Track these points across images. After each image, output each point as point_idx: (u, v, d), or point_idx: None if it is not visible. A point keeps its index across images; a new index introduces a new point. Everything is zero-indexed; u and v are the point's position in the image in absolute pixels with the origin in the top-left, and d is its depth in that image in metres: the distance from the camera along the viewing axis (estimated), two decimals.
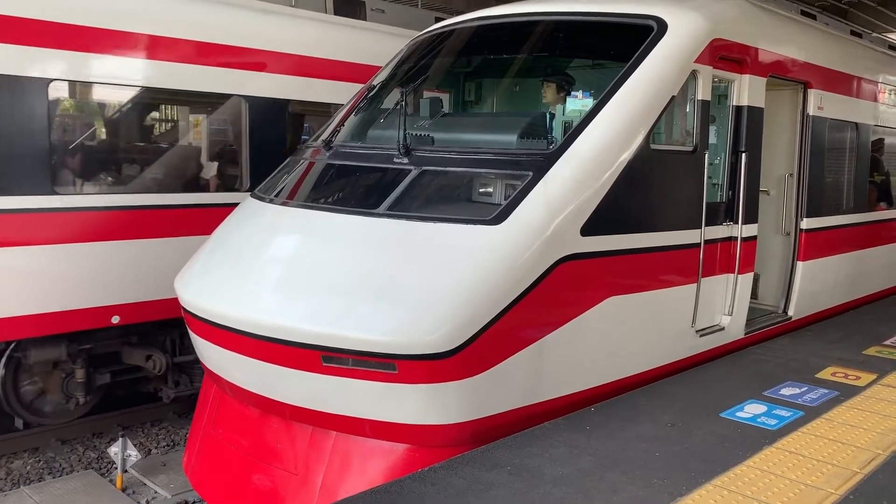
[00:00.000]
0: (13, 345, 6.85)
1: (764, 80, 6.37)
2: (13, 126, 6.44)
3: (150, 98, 7.74)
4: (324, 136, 6.09)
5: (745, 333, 6.43)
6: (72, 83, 7.02)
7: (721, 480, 3.77)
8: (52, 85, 6.65)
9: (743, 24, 6.27)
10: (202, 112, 8.08)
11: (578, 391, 4.98)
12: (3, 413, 7.09)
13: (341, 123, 6.21)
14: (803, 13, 8.12)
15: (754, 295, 6.74)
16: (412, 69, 6.56)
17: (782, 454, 4.11)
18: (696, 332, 5.83)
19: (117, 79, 7.13)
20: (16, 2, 6.42)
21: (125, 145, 7.83)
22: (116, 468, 6.79)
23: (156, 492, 6.74)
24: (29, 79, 6.50)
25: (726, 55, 5.89)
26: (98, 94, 7.43)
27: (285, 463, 4.90)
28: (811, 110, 7.12)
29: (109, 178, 7.35)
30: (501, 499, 3.55)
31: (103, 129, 7.69)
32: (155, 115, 8.31)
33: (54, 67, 6.67)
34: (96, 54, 6.89)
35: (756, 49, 6.27)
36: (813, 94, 7.11)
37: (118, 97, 7.51)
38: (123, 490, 6.69)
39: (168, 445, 7.72)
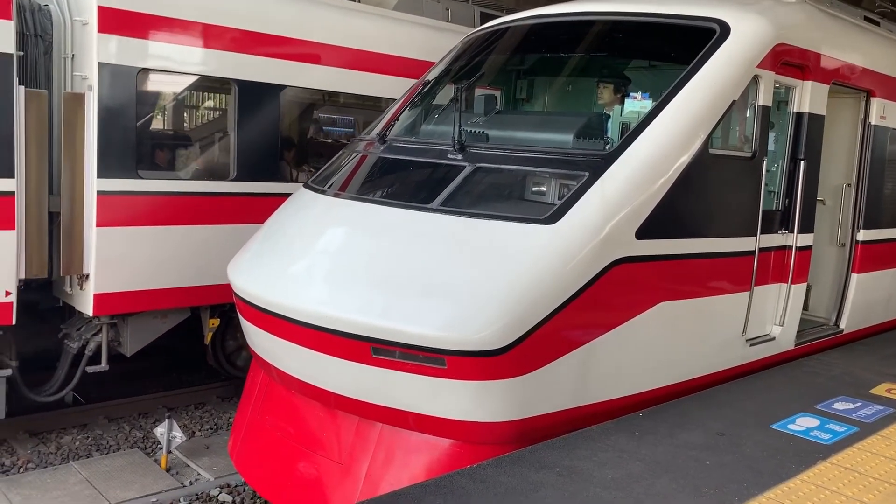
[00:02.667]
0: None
1: (826, 87, 6.23)
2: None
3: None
4: (377, 130, 6.12)
5: (796, 345, 6.32)
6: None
7: (774, 493, 3.71)
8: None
9: (807, 30, 6.14)
10: None
11: (626, 395, 4.94)
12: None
13: (395, 117, 6.24)
14: (866, 19, 7.92)
15: (806, 306, 6.62)
16: (466, 66, 6.56)
17: (837, 470, 4.03)
18: (747, 340, 5.74)
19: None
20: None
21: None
22: (161, 448, 6.94)
23: (199, 473, 6.86)
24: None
25: (789, 60, 5.78)
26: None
27: (330, 452, 4.95)
28: (873, 119, 6.95)
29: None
30: (550, 499, 3.53)
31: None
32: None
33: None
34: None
35: (819, 55, 6.14)
36: (876, 103, 6.94)
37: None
38: (167, 470, 6.83)
39: (211, 429, 7.85)
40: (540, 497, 3.55)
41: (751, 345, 5.79)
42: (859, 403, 5.12)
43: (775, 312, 6.02)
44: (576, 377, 4.65)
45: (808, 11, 6.38)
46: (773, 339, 6.01)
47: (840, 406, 5.05)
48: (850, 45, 6.76)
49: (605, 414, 4.76)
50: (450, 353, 4.30)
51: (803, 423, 4.68)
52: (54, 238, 6.78)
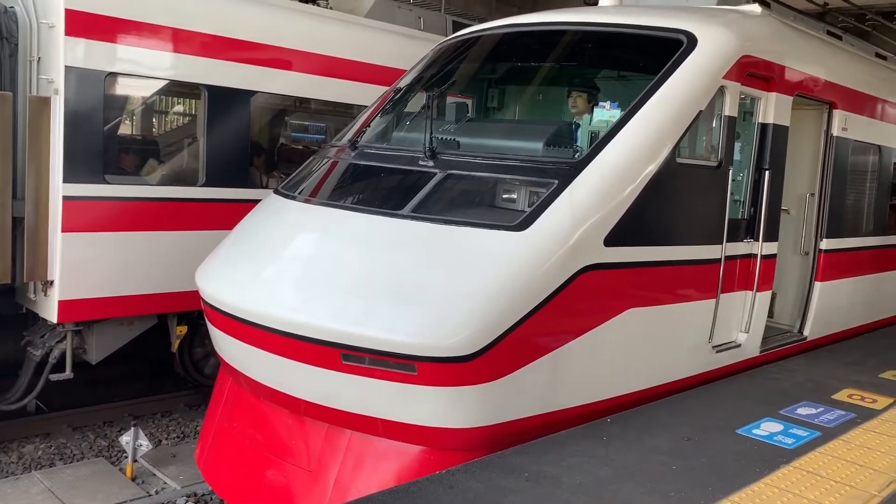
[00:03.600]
0: None
1: (790, 98, 6.37)
2: None
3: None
4: (349, 136, 6.11)
5: (761, 351, 6.42)
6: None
7: (738, 497, 3.76)
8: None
9: (772, 42, 6.27)
10: None
11: (595, 401, 4.98)
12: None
13: (366, 124, 6.24)
14: (829, 33, 8.11)
15: (770, 313, 6.73)
16: (437, 73, 6.58)
17: (800, 473, 4.10)
18: (713, 347, 5.82)
19: None
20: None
21: None
22: (127, 457, 6.83)
23: (165, 482, 6.76)
24: None
25: (754, 72, 5.90)
26: None
27: (299, 459, 4.92)
28: (835, 131, 7.11)
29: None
30: None
31: None
32: None
33: None
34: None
35: (784, 67, 6.27)
36: (838, 115, 7.11)
37: None
38: (133, 479, 6.72)
39: (178, 437, 7.75)
40: (509, 502, 3.56)
41: (717, 351, 5.87)
42: (822, 409, 5.22)
43: (741, 320, 6.11)
44: (545, 383, 4.68)
45: (773, 24, 6.52)
46: (739, 345, 6.10)
47: (803, 411, 5.14)
48: (813, 58, 6.91)
49: (574, 420, 4.79)
50: (420, 360, 4.30)
51: (767, 428, 4.76)
52: (18, 243, 6.66)
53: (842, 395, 5.57)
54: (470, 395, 4.42)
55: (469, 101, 7.02)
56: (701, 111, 5.37)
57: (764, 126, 6.18)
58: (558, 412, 4.80)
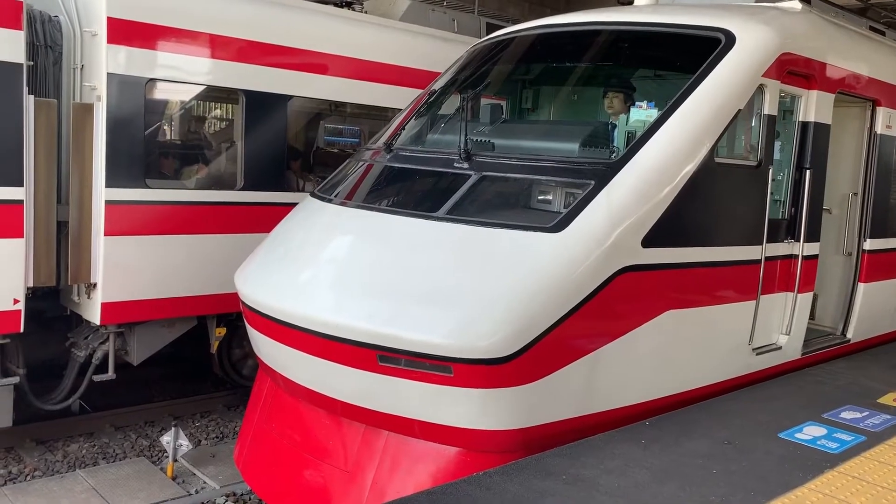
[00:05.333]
0: None
1: (832, 96, 6.24)
2: None
3: None
4: (383, 139, 6.15)
5: (802, 354, 6.30)
6: None
7: (781, 501, 3.70)
8: None
9: (812, 39, 6.16)
10: None
11: (632, 404, 4.93)
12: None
13: (401, 127, 6.27)
14: (872, 29, 7.93)
15: (812, 315, 6.60)
16: (472, 75, 6.59)
17: (845, 479, 4.01)
18: (753, 350, 5.73)
19: None
20: None
21: None
22: (167, 457, 6.95)
23: (205, 482, 6.86)
24: None
25: (794, 70, 5.80)
26: None
27: (337, 460, 4.95)
28: (879, 128, 6.95)
29: None
30: None
31: None
32: None
33: None
34: None
35: (825, 64, 6.15)
36: (882, 112, 6.94)
37: None
38: (173, 478, 6.84)
39: (217, 437, 7.85)
40: None
41: (757, 354, 5.77)
42: (867, 413, 5.10)
43: (781, 321, 6.01)
44: (581, 386, 4.65)
45: (814, 21, 6.40)
46: (780, 348, 6.00)
47: (847, 415, 5.03)
48: (855, 55, 6.77)
49: (610, 423, 4.75)
50: (456, 361, 4.30)
51: (810, 432, 4.67)
52: (62, 247, 6.82)
53: (887, 399, 5.43)
54: (505, 398, 4.41)
55: (504, 103, 7.02)
56: (740, 110, 5.29)
57: (805, 124, 6.07)
58: (594, 415, 4.76)
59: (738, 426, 4.70)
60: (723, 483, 3.88)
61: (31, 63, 6.53)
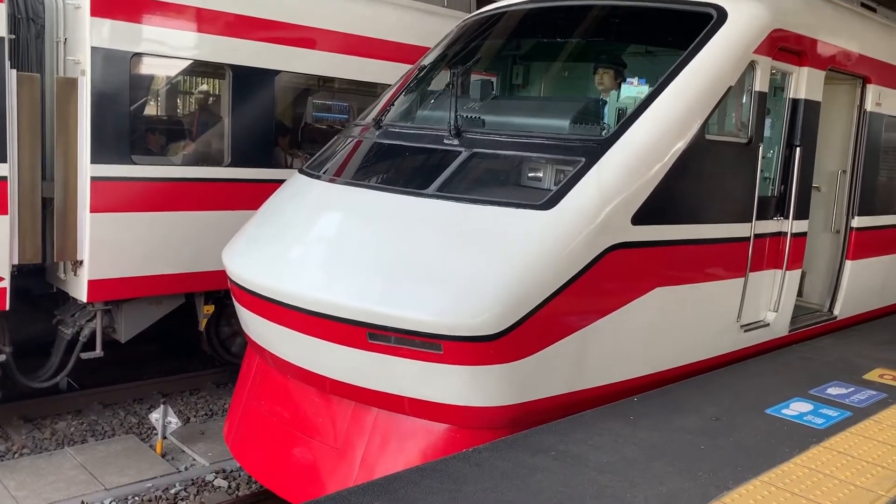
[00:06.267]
0: None
1: (822, 73, 6.22)
2: None
3: None
4: (373, 115, 6.09)
5: (790, 331, 6.34)
6: None
7: (768, 476, 3.73)
8: None
9: (803, 15, 6.12)
10: None
11: (621, 381, 4.96)
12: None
13: (390, 102, 6.21)
14: (863, 5, 7.90)
15: (800, 293, 6.64)
16: (462, 51, 6.52)
17: (830, 454, 4.05)
18: (741, 326, 5.76)
19: None
20: None
21: None
22: (156, 434, 6.94)
23: (194, 459, 6.87)
24: None
25: (785, 46, 5.77)
26: None
27: (326, 437, 4.96)
28: (869, 106, 6.95)
29: None
30: (545, 483, 3.55)
31: None
32: None
33: None
34: None
35: (816, 41, 6.13)
36: (871, 90, 6.94)
37: None
38: (163, 456, 6.83)
39: (206, 415, 7.85)
40: (535, 481, 3.56)
41: (745, 331, 5.81)
42: (852, 388, 5.15)
43: (770, 298, 6.04)
44: (571, 362, 4.66)
45: None
46: (768, 325, 6.03)
47: (833, 391, 5.08)
48: (846, 32, 6.74)
49: (599, 399, 4.78)
50: (446, 338, 4.30)
51: (797, 408, 4.71)
52: (48, 224, 6.75)
53: (873, 375, 5.49)
54: (496, 374, 4.41)
55: (494, 79, 6.96)
56: (731, 87, 5.27)
57: (795, 101, 6.06)
58: (584, 391, 4.78)
59: (726, 402, 4.74)
60: (711, 458, 3.91)
61: (13, 36, 6.41)
